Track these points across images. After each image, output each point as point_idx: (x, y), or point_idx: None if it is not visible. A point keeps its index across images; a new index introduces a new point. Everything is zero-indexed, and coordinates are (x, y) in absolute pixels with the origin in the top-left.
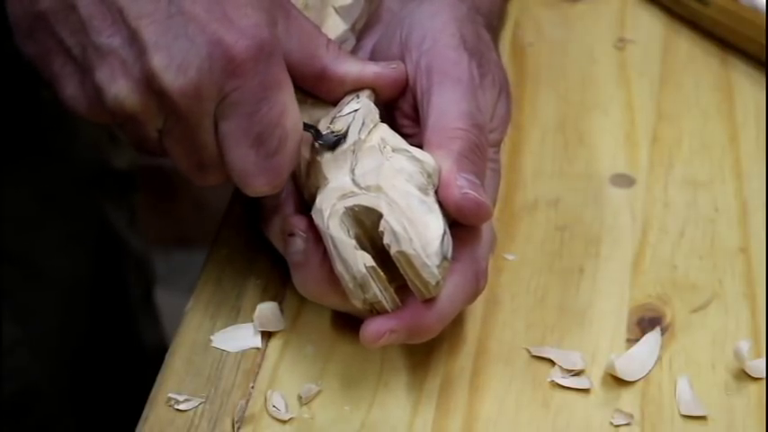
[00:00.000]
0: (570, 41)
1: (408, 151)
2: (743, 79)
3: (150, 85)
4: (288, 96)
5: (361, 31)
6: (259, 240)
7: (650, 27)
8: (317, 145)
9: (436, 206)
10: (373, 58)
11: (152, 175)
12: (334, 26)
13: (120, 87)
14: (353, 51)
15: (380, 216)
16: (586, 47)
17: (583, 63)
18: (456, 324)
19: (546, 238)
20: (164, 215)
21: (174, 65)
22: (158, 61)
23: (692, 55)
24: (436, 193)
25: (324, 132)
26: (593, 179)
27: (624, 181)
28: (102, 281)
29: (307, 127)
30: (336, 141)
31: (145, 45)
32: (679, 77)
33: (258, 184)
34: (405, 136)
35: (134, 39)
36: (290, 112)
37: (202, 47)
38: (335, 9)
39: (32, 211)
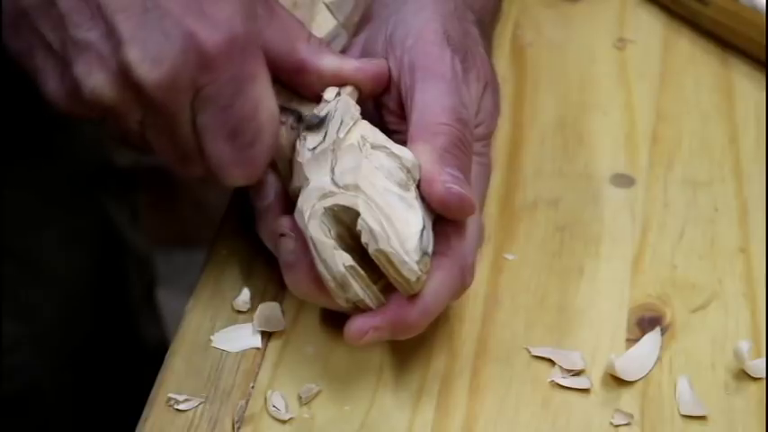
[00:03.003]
0: (570, 41)
1: (387, 147)
2: (743, 79)
3: (126, 78)
4: (263, 89)
5: (356, 26)
6: (259, 241)
7: (650, 27)
8: (301, 129)
9: (416, 202)
10: (363, 55)
11: (153, 175)
12: (325, 22)
13: (96, 80)
14: (347, 47)
15: (359, 215)
16: (586, 47)
17: (583, 63)
18: (456, 324)
19: (546, 238)
20: (164, 215)
21: (149, 58)
22: (133, 54)
23: (692, 55)
24: (418, 188)
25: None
26: (593, 179)
27: (624, 181)
28: (104, 279)
29: (289, 111)
30: (320, 122)
31: (121, 38)
32: (679, 77)
33: (234, 176)
34: (392, 133)
35: (111, 33)
36: (265, 105)
37: (176, 41)
38: (326, 4)
39: (34, 208)
